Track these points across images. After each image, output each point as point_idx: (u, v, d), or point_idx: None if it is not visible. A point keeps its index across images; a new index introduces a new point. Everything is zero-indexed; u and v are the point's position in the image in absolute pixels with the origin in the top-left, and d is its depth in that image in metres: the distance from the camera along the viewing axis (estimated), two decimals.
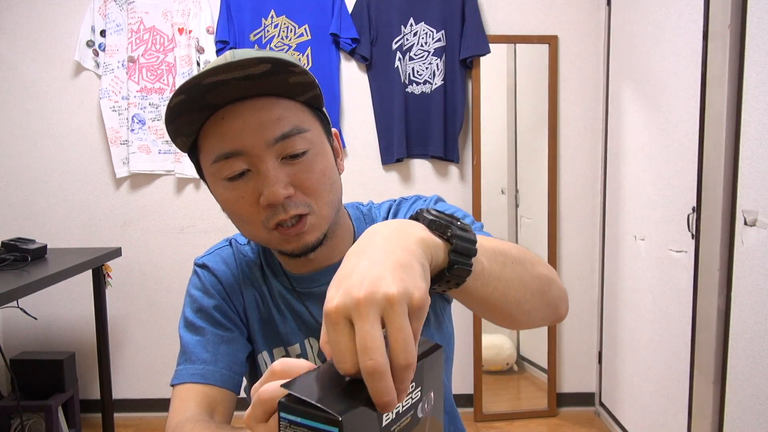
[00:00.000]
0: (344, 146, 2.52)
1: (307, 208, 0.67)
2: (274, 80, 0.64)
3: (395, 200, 0.85)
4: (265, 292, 0.80)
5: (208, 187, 0.72)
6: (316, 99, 0.70)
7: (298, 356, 0.80)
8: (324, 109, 0.73)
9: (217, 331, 0.76)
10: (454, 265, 0.47)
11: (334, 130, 0.77)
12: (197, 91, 0.61)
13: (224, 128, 0.65)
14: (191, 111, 0.64)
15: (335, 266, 0.72)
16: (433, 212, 0.50)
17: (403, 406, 0.40)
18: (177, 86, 2.51)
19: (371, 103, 2.57)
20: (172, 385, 0.76)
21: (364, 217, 0.84)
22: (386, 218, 0.82)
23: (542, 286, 0.60)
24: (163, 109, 2.53)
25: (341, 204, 0.76)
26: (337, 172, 0.72)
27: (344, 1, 2.51)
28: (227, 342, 0.76)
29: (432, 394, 0.45)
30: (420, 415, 0.43)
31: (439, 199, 0.83)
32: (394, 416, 0.40)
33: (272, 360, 0.80)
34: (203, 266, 0.81)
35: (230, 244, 0.83)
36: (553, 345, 2.66)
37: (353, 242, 0.77)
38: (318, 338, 0.77)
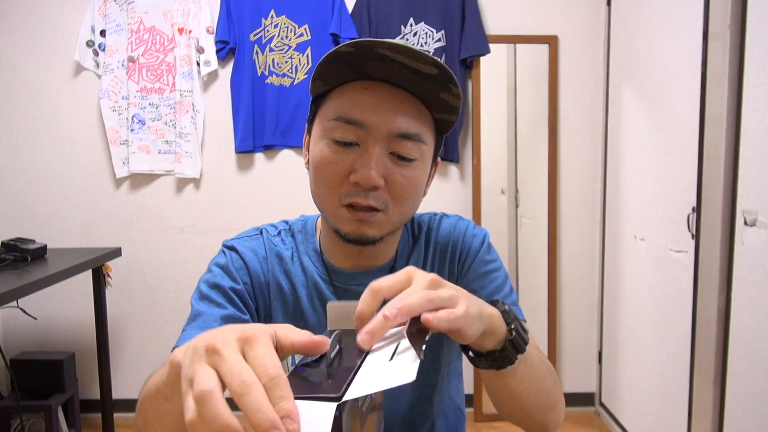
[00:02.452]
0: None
1: (383, 206, 0.69)
2: (431, 86, 0.66)
3: (436, 214, 0.87)
4: (296, 282, 0.80)
5: (307, 139, 0.75)
6: (447, 124, 0.73)
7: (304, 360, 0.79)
8: (446, 136, 0.76)
9: (231, 308, 0.74)
10: (504, 350, 0.57)
11: (438, 159, 0.79)
12: (365, 52, 0.63)
13: (362, 97, 0.67)
14: (347, 66, 0.66)
15: (376, 271, 0.79)
16: (507, 307, 0.60)
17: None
18: (177, 84, 2.50)
19: None
20: (174, 349, 0.73)
21: (413, 225, 0.85)
22: (426, 230, 0.84)
23: (549, 404, 0.71)
24: (163, 109, 2.53)
25: (407, 220, 0.78)
26: (422, 192, 0.75)
27: (344, 1, 2.51)
28: (239, 321, 0.74)
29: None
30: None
31: (474, 229, 0.85)
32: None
33: (290, 357, 0.79)
34: (232, 248, 0.80)
35: (261, 233, 0.83)
36: (553, 345, 2.66)
37: (397, 247, 0.81)
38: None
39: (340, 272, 0.79)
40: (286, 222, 0.86)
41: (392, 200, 0.69)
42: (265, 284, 0.79)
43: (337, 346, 0.45)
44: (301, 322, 0.79)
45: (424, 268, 0.81)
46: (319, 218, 0.83)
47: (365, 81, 0.68)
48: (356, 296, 0.74)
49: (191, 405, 0.37)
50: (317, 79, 0.70)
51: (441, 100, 0.68)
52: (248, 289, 0.78)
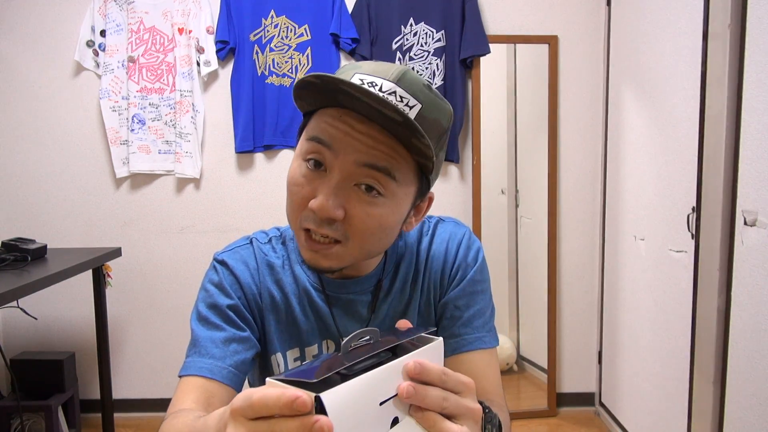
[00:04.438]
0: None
1: (342, 237, 0.66)
2: (398, 130, 0.62)
3: (431, 218, 0.86)
4: (288, 291, 0.79)
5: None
6: (426, 167, 0.67)
7: (314, 356, 0.80)
8: (432, 178, 0.71)
9: (229, 328, 0.75)
10: None
11: (431, 194, 0.75)
12: (332, 87, 0.61)
13: (336, 122, 0.64)
14: (318, 94, 0.64)
15: (366, 278, 0.79)
16: (488, 410, 0.62)
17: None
18: (177, 84, 2.50)
19: None
20: (180, 376, 0.76)
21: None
22: (420, 236, 0.84)
23: None
24: (163, 109, 2.53)
25: (375, 255, 0.75)
26: (396, 231, 0.71)
27: (344, 1, 2.51)
28: (238, 341, 0.75)
29: None
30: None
31: (470, 240, 0.84)
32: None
33: (285, 362, 0.80)
34: (223, 263, 0.79)
35: (251, 242, 0.82)
36: (553, 345, 2.66)
37: (385, 256, 0.80)
38: (336, 342, 0.79)
39: (330, 281, 0.79)
40: (278, 229, 0.85)
41: (353, 235, 0.66)
42: (258, 295, 0.79)
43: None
44: (293, 329, 0.80)
45: (416, 275, 0.82)
46: None
47: (342, 108, 0.65)
48: (345, 304, 0.79)
49: None
50: (296, 99, 0.68)
51: (413, 145, 0.63)
52: (243, 303, 0.78)
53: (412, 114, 0.63)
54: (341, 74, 0.66)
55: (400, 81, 0.63)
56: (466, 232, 0.85)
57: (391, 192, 0.65)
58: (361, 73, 0.64)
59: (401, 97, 0.63)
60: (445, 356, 0.78)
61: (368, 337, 0.48)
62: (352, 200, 0.64)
